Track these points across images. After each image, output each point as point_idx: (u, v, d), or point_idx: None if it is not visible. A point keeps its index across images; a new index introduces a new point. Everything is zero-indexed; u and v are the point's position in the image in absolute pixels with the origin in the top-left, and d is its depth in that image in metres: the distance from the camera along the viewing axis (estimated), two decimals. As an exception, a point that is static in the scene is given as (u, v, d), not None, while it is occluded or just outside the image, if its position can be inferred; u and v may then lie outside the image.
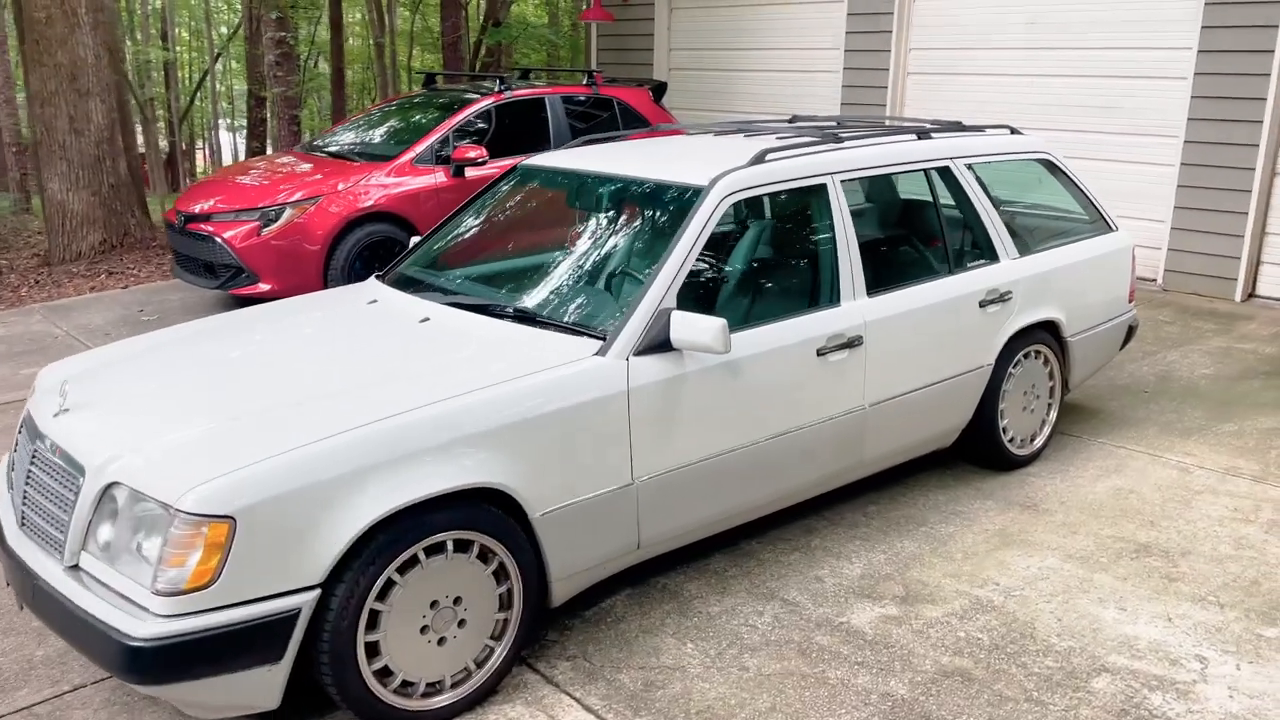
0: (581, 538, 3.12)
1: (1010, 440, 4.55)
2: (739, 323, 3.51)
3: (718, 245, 3.77)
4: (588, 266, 3.69)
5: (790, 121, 5.19)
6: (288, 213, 6.71)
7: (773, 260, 3.96)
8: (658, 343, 3.24)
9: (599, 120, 8.28)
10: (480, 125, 7.67)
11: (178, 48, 23.50)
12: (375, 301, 3.71)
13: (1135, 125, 7.96)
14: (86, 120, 9.03)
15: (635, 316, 3.24)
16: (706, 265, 3.69)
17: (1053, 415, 4.75)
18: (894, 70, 9.27)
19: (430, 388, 2.93)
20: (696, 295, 3.54)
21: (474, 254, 4.04)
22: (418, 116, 7.87)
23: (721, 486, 3.47)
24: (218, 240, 6.70)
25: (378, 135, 7.89)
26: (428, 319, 3.45)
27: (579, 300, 3.52)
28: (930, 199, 4.32)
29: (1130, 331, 5.16)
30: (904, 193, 4.62)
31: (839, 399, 3.76)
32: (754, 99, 10.59)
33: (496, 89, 7.82)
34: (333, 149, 7.74)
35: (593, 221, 3.95)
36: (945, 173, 4.35)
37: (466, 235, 4.14)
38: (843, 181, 3.90)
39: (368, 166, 7.14)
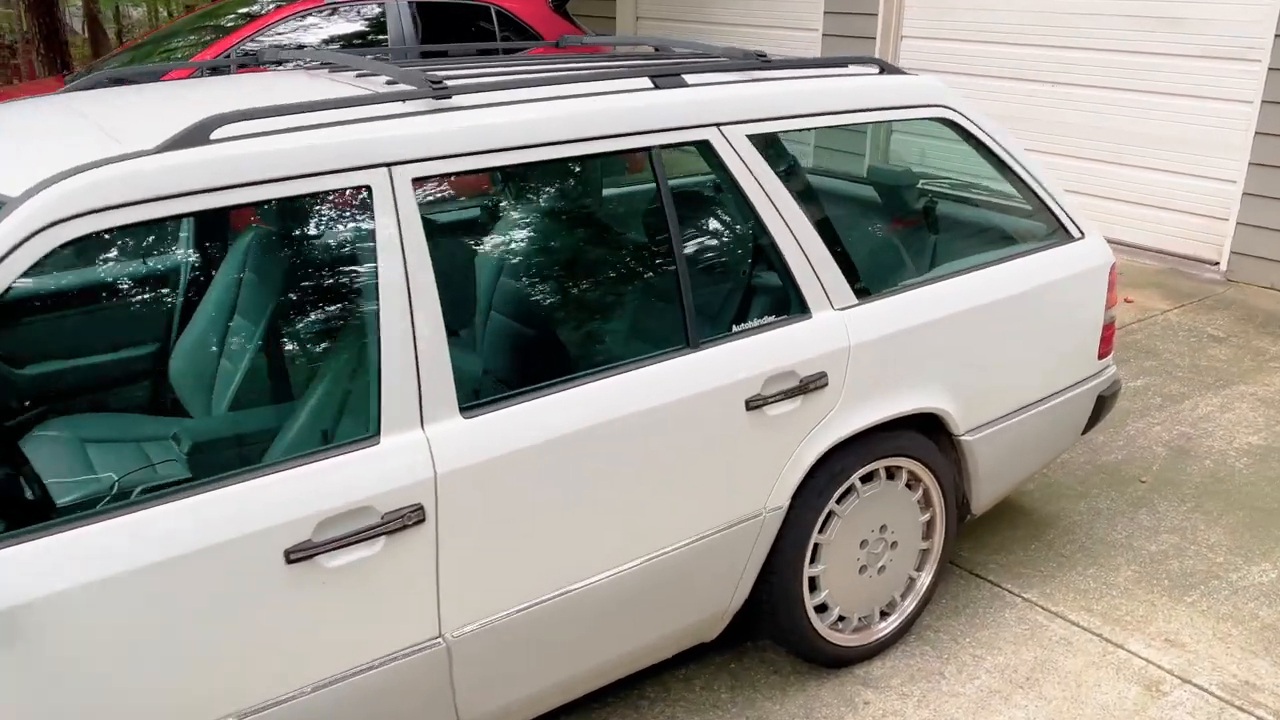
0: None
1: (835, 623, 2.58)
2: (70, 515, 1.63)
3: (55, 327, 1.86)
4: None
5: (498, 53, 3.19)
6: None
7: (197, 357, 2.02)
8: None
9: (468, 34, 6.28)
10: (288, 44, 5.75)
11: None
12: None
13: (1201, 44, 5.61)
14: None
15: None
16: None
17: (926, 576, 2.73)
18: (885, -32, 6.99)
19: None
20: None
21: None
22: (205, 34, 5.96)
23: None
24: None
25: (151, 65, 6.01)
26: None
27: None
28: (659, 206, 2.28)
29: (1102, 404, 3.08)
30: (603, 195, 2.60)
31: (374, 634, 1.86)
32: (740, 7, 8.36)
33: (312, -7, 5.86)
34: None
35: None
36: (705, 150, 2.31)
37: None
38: (415, 179, 1.92)
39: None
